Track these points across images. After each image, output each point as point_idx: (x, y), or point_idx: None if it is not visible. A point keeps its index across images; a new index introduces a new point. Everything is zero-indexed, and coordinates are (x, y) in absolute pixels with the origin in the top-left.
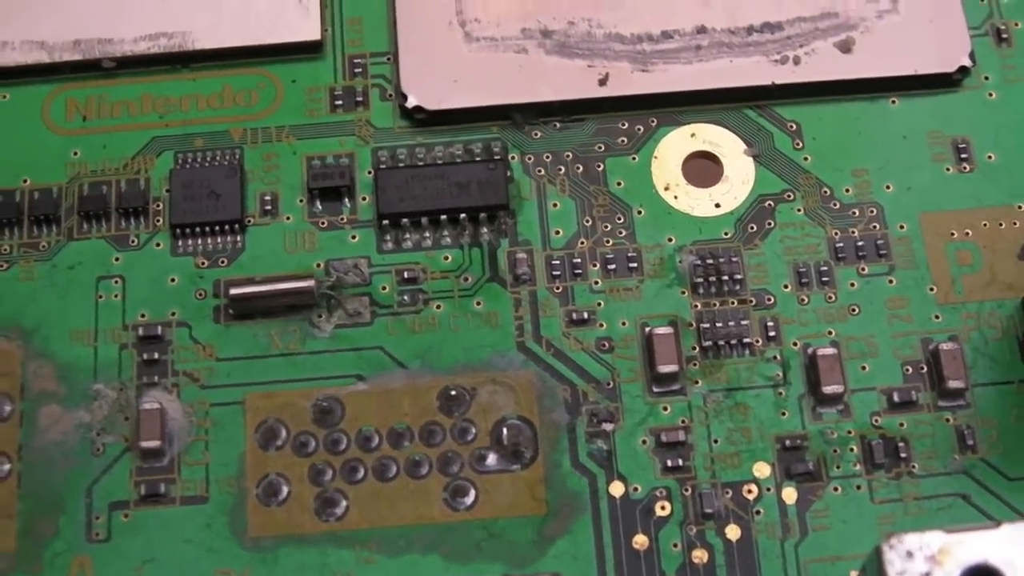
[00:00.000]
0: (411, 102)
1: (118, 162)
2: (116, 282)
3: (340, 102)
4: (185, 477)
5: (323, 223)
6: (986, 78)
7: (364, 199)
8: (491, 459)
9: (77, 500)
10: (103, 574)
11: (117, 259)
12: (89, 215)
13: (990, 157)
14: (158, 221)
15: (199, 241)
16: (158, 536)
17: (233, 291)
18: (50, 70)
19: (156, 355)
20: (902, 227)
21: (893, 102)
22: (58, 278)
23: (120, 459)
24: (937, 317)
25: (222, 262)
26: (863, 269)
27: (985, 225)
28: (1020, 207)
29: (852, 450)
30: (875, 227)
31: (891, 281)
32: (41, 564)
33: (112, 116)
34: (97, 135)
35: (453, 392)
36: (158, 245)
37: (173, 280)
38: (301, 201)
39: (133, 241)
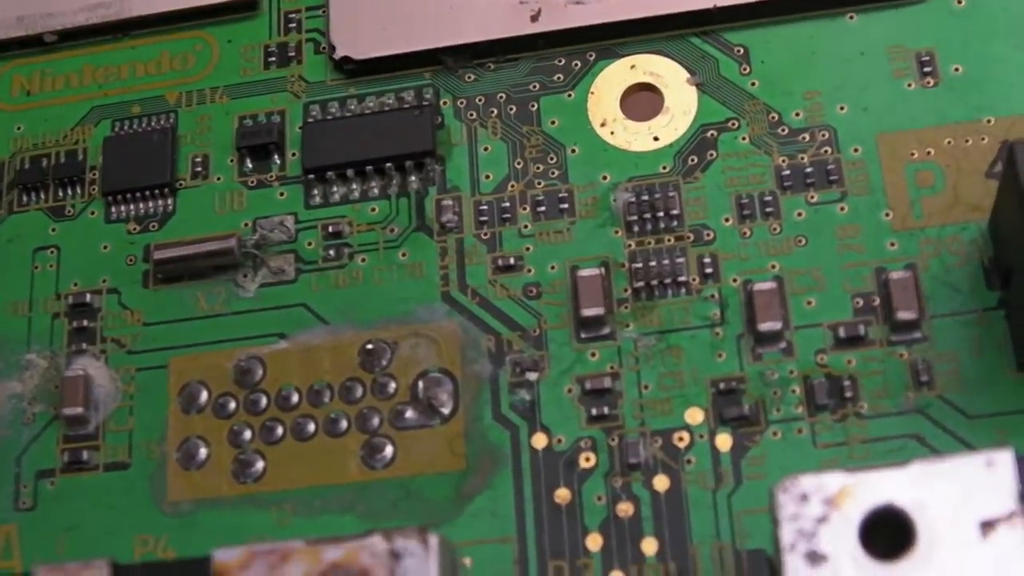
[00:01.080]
0: (339, 53)
1: (58, 134)
2: (52, 252)
3: (273, 59)
4: (109, 443)
5: (252, 182)
6: None
7: (294, 155)
8: (409, 414)
9: (8, 470)
10: (28, 542)
11: (53, 230)
12: (28, 188)
13: (956, 69)
14: (93, 190)
15: (131, 207)
16: (81, 503)
17: (157, 255)
18: None
19: (86, 323)
20: (856, 150)
21: (851, 17)
22: None
23: (48, 427)
24: (892, 244)
25: (153, 227)
26: (812, 197)
27: (949, 143)
28: (989, 121)
29: (794, 392)
30: (826, 151)
31: (842, 208)
32: None
33: (54, 89)
34: (40, 108)
35: (372, 347)
36: (92, 213)
37: (106, 247)
38: (231, 161)
39: (69, 211)
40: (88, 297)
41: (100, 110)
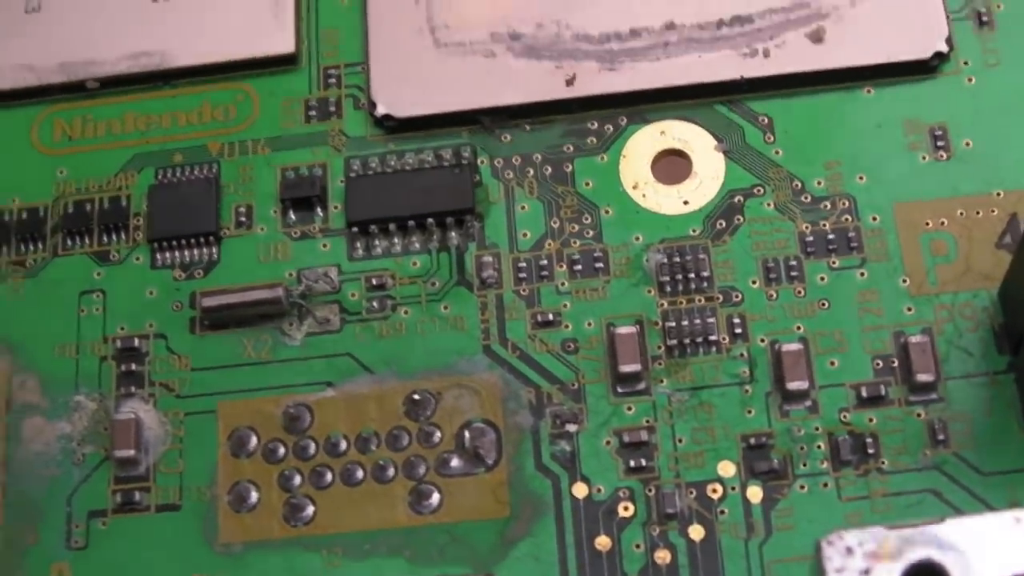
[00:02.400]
0: (380, 110)
1: (101, 179)
2: (97, 296)
3: (314, 113)
4: (160, 485)
5: (296, 233)
6: (965, 63)
7: (336, 208)
8: (455, 462)
9: (58, 509)
10: None
11: (99, 274)
12: (73, 232)
13: (967, 144)
14: (138, 236)
15: (176, 254)
16: (133, 543)
17: (206, 302)
18: (38, 92)
19: (134, 366)
20: (875, 219)
21: (868, 91)
22: (43, 294)
23: (99, 468)
24: (909, 309)
25: (198, 274)
26: (833, 262)
27: (961, 214)
28: (998, 194)
29: (819, 447)
30: (847, 219)
31: (862, 274)
32: (22, 572)
33: (96, 135)
34: (82, 154)
35: (418, 397)
36: (138, 259)
37: (151, 293)
38: (275, 212)
39: (114, 256)
40: (136, 341)
41: (142, 157)
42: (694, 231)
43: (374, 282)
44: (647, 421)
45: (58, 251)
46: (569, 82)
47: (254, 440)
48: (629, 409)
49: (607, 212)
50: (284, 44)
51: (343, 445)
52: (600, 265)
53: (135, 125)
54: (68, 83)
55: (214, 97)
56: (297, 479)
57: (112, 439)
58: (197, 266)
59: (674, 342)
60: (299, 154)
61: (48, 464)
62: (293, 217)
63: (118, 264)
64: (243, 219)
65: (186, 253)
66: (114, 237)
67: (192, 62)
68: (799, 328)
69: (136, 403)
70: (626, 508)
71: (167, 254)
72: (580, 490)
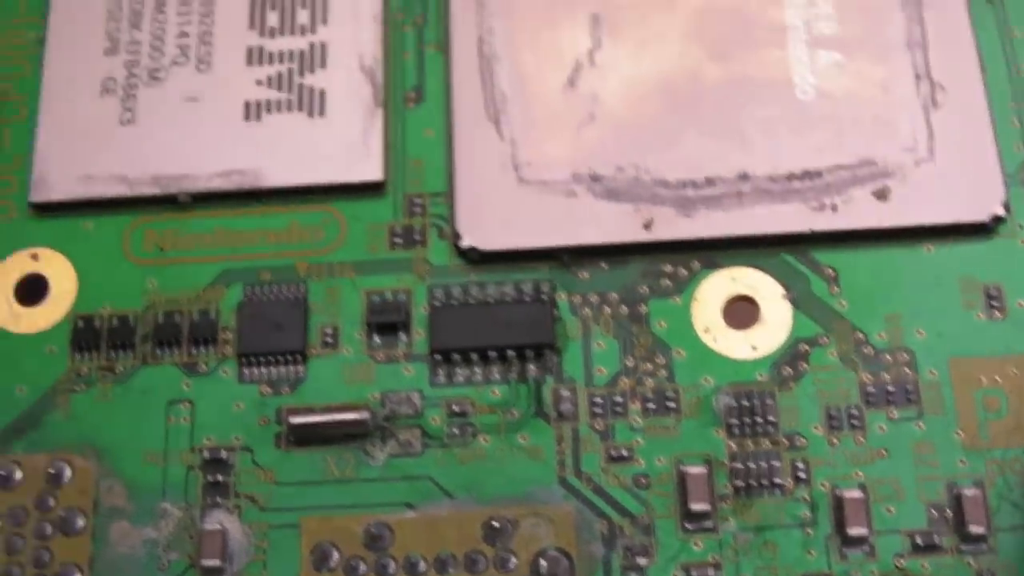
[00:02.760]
0: (465, 243)
1: (191, 292)
2: (185, 406)
3: (399, 240)
4: None
5: (380, 356)
6: (1021, 226)
7: (420, 334)
8: None
9: None
10: None
11: (187, 384)
12: (162, 342)
13: (1021, 305)
14: (226, 349)
15: (264, 370)
16: None
17: (293, 420)
18: (131, 203)
19: (220, 477)
20: (932, 373)
21: (928, 249)
22: (132, 400)
23: (184, 575)
24: (963, 462)
25: (285, 391)
26: (892, 414)
27: (1014, 372)
28: None
29: None
30: (906, 372)
31: (919, 426)
32: None
33: (187, 248)
34: (172, 266)
35: (496, 524)
36: (225, 372)
37: (239, 406)
38: (359, 335)
39: (202, 368)
40: (223, 453)
41: (232, 273)
42: (761, 376)
43: (455, 409)
44: (713, 558)
45: (147, 359)
46: (647, 225)
47: (336, 556)
48: (696, 545)
49: (679, 354)
50: (373, 171)
51: (422, 566)
52: (672, 405)
53: (225, 241)
54: (161, 196)
55: (302, 218)
56: None
57: (199, 548)
58: (284, 383)
59: (741, 483)
60: (384, 279)
61: (134, 568)
62: (378, 340)
63: (206, 376)
64: (329, 340)
65: (273, 370)
66: (203, 349)
67: (282, 183)
68: (859, 475)
69: (221, 514)
70: None
71: (255, 369)
72: None
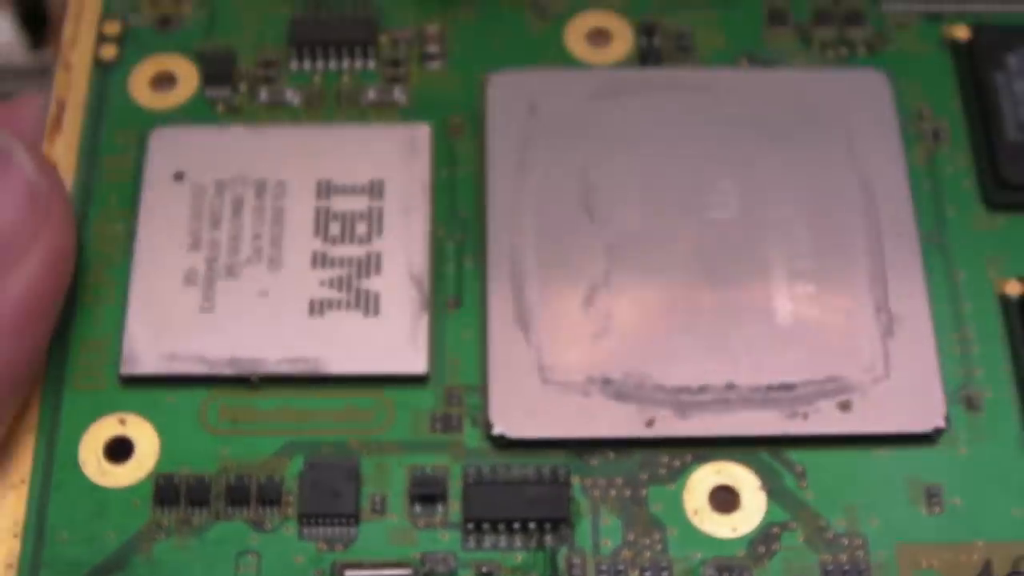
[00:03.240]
0: (496, 430)
1: (258, 460)
2: (252, 557)
3: (439, 425)
4: None
5: (420, 523)
6: (958, 436)
7: (454, 505)
8: None
9: None
10: None
11: (254, 539)
12: (233, 501)
13: (956, 502)
14: (288, 511)
15: (321, 529)
16: None
17: (348, 574)
18: (208, 380)
19: None
20: (880, 555)
21: (881, 453)
22: (206, 551)
23: None
24: None
25: (339, 548)
26: None
27: (948, 557)
28: (978, 543)
29: None
30: (859, 554)
31: None
32: None
33: (255, 421)
34: (242, 436)
35: None
36: (287, 530)
37: (298, 559)
38: (403, 503)
39: (268, 526)
40: None
41: (294, 446)
42: (740, 553)
43: (483, 570)
44: None
45: (220, 516)
46: (649, 423)
47: None
48: None
49: (672, 532)
50: (418, 366)
51: None
52: (665, 574)
53: (289, 417)
54: (235, 376)
55: (357, 402)
56: None
57: None
58: (338, 541)
59: None
60: (425, 457)
61: None
62: (419, 509)
63: (270, 533)
64: (377, 507)
65: (329, 530)
66: (268, 509)
67: (341, 371)
68: None
69: None
70: None
71: (313, 529)
72: None
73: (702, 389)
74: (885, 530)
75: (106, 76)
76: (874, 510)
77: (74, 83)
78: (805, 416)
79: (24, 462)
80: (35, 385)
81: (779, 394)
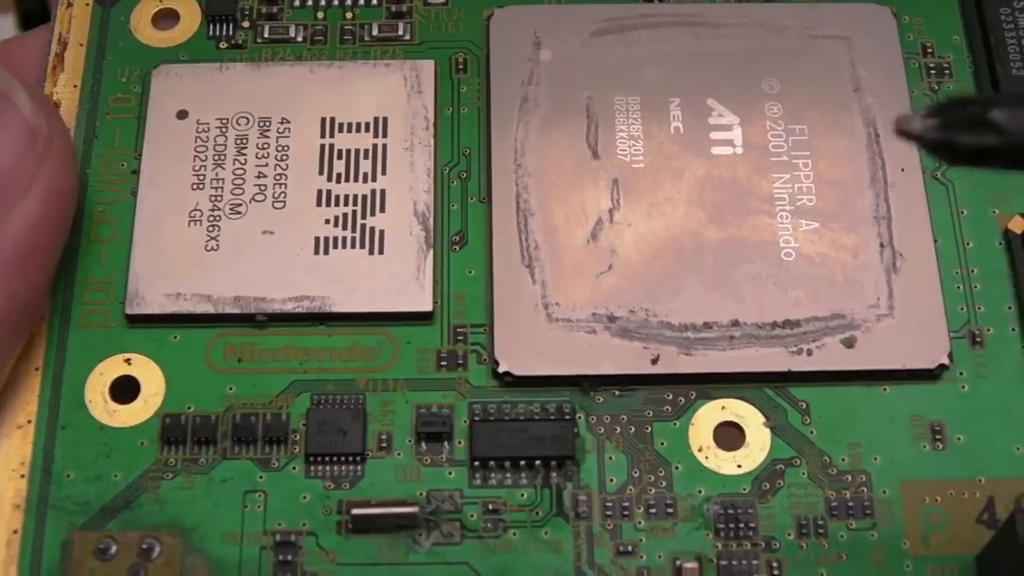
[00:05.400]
0: (502, 368)
1: (265, 399)
2: (259, 496)
3: (445, 363)
4: None
5: (427, 460)
6: (961, 373)
7: (460, 443)
8: None
9: None
10: None
11: (261, 477)
12: (240, 440)
13: (959, 439)
14: (295, 449)
15: (327, 468)
16: None
17: (354, 511)
18: (213, 319)
19: (289, 557)
20: (884, 492)
21: (885, 390)
22: (213, 489)
23: None
24: (908, 566)
25: (345, 486)
26: (851, 524)
27: (951, 493)
28: (981, 480)
29: None
30: (863, 491)
31: (873, 535)
32: None
33: (261, 360)
34: (249, 375)
35: None
36: (294, 469)
37: (305, 498)
38: (410, 441)
39: (274, 464)
40: (292, 537)
41: (300, 384)
42: (744, 490)
43: (490, 507)
44: None
45: (227, 455)
46: (654, 361)
47: None
48: None
49: (677, 468)
50: (423, 303)
51: None
52: (670, 511)
53: (295, 356)
54: (240, 315)
55: (362, 339)
56: None
57: None
58: (345, 479)
59: None
60: (431, 396)
61: None
62: (425, 447)
63: (278, 471)
64: (384, 444)
65: (336, 468)
66: (274, 448)
67: (346, 309)
68: (823, 574)
69: None
70: None
71: (319, 467)
72: None
73: (707, 326)
74: (889, 467)
75: (108, 13)
76: (878, 447)
77: (76, 20)
78: (810, 353)
79: (30, 402)
80: (40, 325)
81: (784, 331)
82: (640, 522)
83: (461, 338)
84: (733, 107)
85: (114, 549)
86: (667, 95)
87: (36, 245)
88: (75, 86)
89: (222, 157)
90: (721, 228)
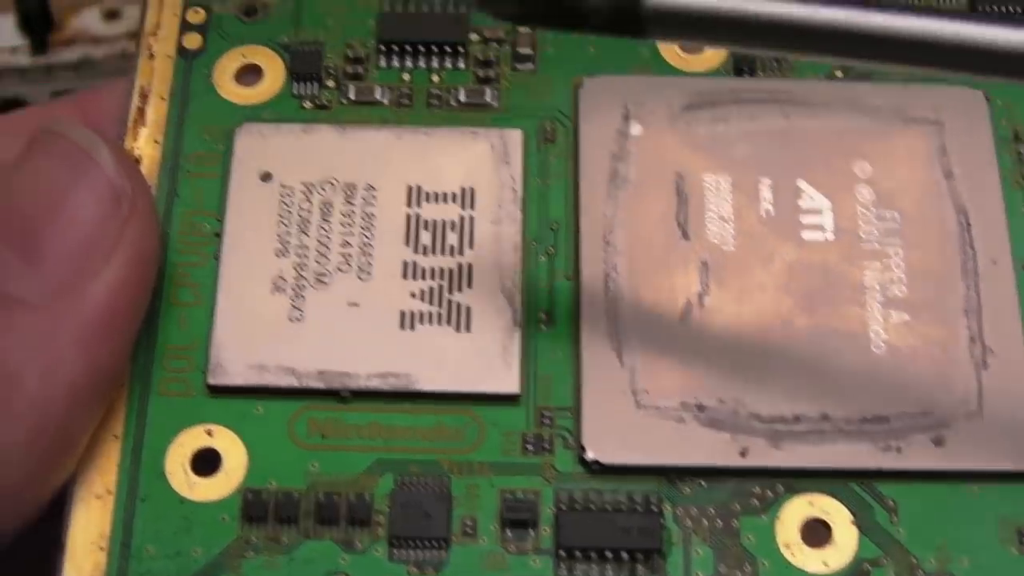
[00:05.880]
0: (590, 456)
1: (348, 477)
2: None
3: (531, 447)
4: None
5: (511, 548)
6: None
7: (546, 531)
8: None
9: None
10: None
11: (343, 559)
12: (323, 520)
13: None
14: (379, 531)
15: (411, 552)
16: None
17: None
18: (297, 393)
19: None
20: None
21: (973, 491)
22: (295, 570)
23: None
24: None
25: (429, 571)
26: None
27: None
28: None
29: None
30: None
31: None
32: None
33: (345, 437)
34: (332, 452)
35: None
36: (377, 551)
37: None
38: (494, 527)
39: (357, 546)
40: None
41: (383, 463)
42: None
43: None
44: None
45: (309, 534)
46: (743, 453)
47: None
48: None
49: (764, 564)
50: (510, 385)
51: None
52: None
53: (379, 434)
54: (324, 389)
55: (448, 419)
56: None
57: None
58: (428, 564)
59: None
60: (516, 480)
61: None
62: (510, 534)
63: (360, 553)
64: (468, 530)
65: (419, 553)
66: (357, 529)
67: (432, 388)
68: None
69: None
70: None
71: (403, 551)
72: None
73: (796, 419)
74: (975, 570)
75: (190, 66)
76: (965, 549)
77: (158, 72)
78: (899, 450)
79: (109, 471)
80: (120, 393)
81: (873, 426)
82: None
83: (547, 421)
84: (824, 190)
85: None
86: (757, 175)
87: (119, 311)
88: (156, 141)
89: (307, 223)
90: (811, 316)
